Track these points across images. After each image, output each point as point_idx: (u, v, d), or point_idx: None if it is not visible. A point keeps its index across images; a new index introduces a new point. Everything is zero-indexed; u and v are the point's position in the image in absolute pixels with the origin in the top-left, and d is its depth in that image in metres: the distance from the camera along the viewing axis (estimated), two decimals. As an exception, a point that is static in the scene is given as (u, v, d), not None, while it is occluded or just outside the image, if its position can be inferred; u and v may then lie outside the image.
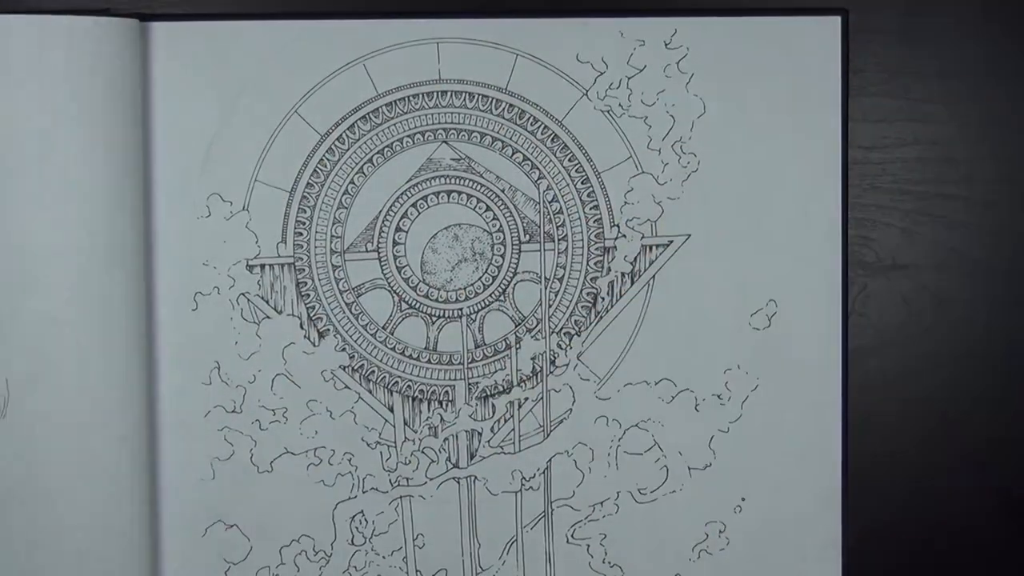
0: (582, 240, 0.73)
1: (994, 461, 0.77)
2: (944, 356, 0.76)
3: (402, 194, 0.72)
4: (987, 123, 0.76)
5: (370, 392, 0.73)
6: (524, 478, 0.74)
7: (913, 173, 0.75)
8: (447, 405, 0.74)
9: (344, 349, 0.73)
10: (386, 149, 0.72)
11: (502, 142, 0.73)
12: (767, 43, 0.73)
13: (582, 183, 0.73)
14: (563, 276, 0.74)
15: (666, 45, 0.73)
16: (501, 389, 0.74)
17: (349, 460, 0.73)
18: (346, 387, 0.73)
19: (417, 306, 0.73)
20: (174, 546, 0.72)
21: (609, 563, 0.75)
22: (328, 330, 0.72)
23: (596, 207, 0.73)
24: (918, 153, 0.76)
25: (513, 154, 0.73)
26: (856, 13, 0.74)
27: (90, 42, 0.67)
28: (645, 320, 0.74)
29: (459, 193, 0.73)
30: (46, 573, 0.69)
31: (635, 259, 0.74)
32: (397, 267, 0.73)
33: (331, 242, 0.72)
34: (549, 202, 0.73)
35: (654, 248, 0.74)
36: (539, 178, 0.73)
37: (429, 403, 0.73)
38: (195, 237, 0.71)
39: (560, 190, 0.73)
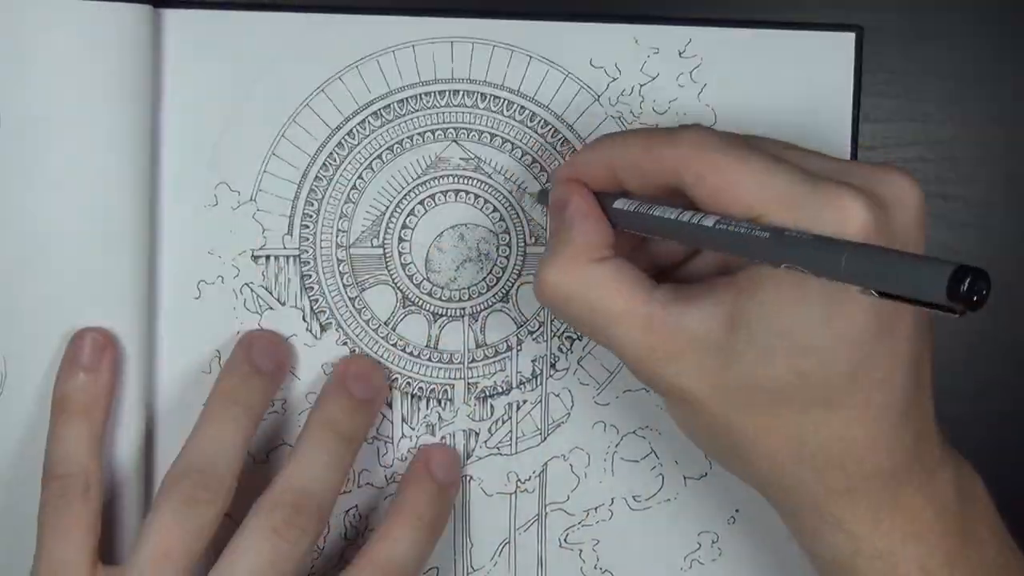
0: (587, 244, 0.73)
1: (994, 464, 0.77)
2: (944, 358, 0.77)
3: (410, 191, 0.72)
4: (987, 123, 0.76)
5: (369, 387, 0.73)
6: (519, 480, 0.74)
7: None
8: (446, 404, 0.74)
9: (346, 343, 0.73)
10: (396, 146, 0.72)
11: (512, 144, 0.72)
12: (782, 57, 0.72)
13: (590, 188, 0.73)
14: (567, 280, 0.73)
15: (680, 54, 0.72)
16: (500, 390, 0.74)
17: (346, 453, 0.73)
18: (346, 381, 0.73)
19: (420, 303, 0.73)
20: (169, 533, 0.72)
21: (601, 569, 0.75)
22: (330, 323, 0.72)
23: (603, 212, 0.73)
24: (918, 153, 0.76)
25: (522, 156, 0.72)
26: (868, 31, 0.74)
27: (101, 26, 0.66)
28: (647, 327, 0.74)
29: (467, 193, 0.73)
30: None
31: (640, 266, 0.73)
32: (402, 264, 0.73)
33: (337, 236, 0.72)
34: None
35: (659, 256, 0.73)
36: (547, 181, 0.73)
37: (428, 401, 0.73)
38: (201, 226, 0.71)
39: (568, 194, 0.73)
